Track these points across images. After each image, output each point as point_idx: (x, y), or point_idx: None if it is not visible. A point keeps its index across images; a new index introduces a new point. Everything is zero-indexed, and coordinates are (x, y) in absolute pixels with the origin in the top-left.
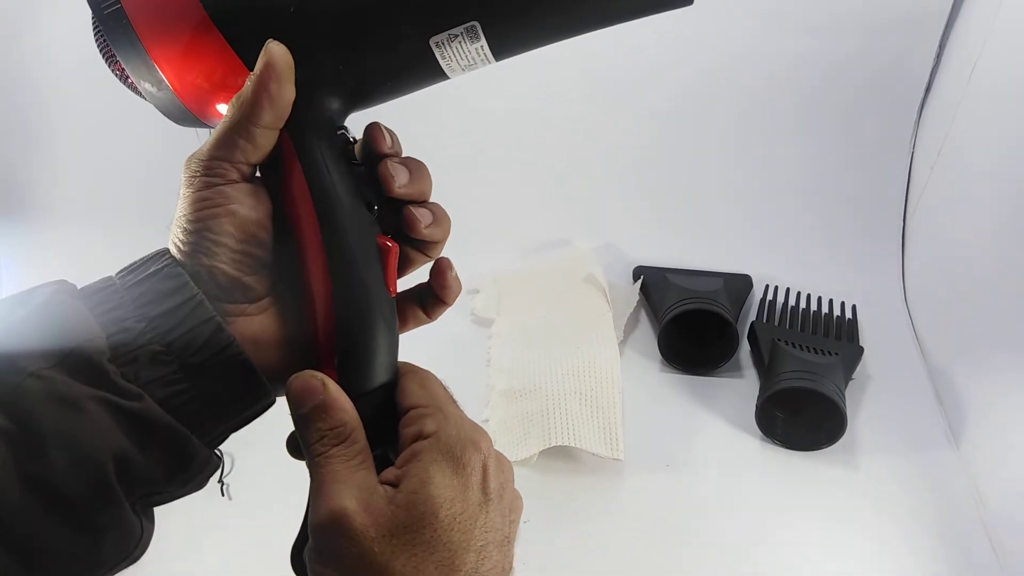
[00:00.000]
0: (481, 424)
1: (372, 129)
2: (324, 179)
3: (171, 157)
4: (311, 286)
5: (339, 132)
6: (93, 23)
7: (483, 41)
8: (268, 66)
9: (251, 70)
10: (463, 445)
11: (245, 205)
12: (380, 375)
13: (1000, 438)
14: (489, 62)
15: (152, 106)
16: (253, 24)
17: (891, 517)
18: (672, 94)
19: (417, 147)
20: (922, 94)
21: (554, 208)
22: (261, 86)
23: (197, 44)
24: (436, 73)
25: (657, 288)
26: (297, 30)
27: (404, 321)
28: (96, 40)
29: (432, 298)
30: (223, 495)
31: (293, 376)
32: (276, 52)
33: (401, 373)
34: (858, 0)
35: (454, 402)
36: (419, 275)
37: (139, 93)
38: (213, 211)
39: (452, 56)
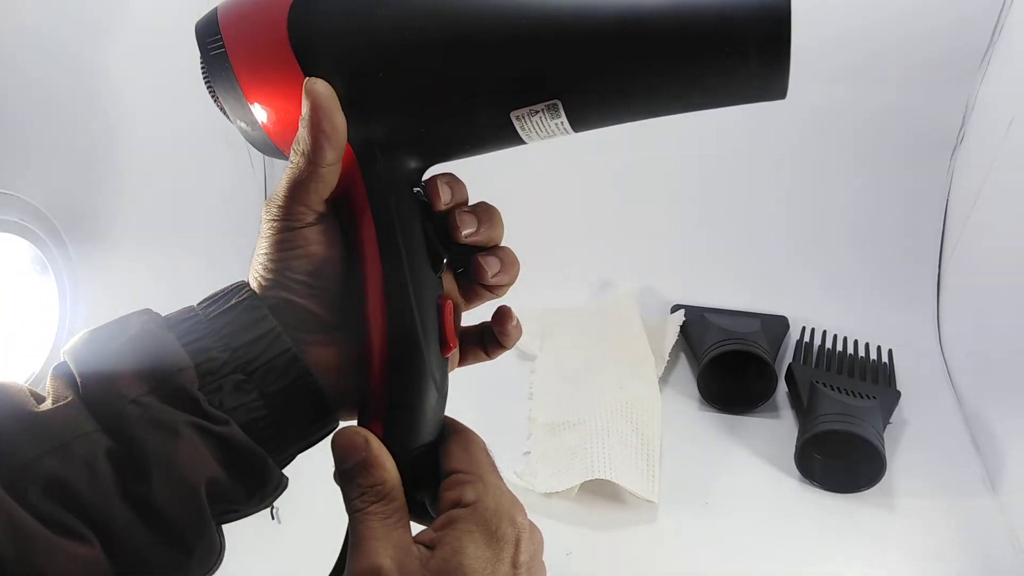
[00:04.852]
0: (523, 456)
1: (429, 184)
2: (395, 241)
3: (231, 183)
4: (369, 342)
5: (415, 190)
6: (200, 61)
7: (563, 117)
8: (315, 107)
9: None
10: (499, 518)
11: (321, 245)
12: (425, 436)
13: None
14: (568, 133)
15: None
16: (341, 84)
17: (929, 561)
18: (711, 139)
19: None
20: (954, 141)
21: (594, 246)
22: (315, 127)
23: (289, 94)
24: (514, 140)
25: (696, 328)
26: (383, 94)
27: (464, 357)
28: (203, 76)
29: (493, 340)
30: (273, 518)
31: (338, 431)
32: (318, 90)
33: (447, 431)
34: (890, 50)
35: (495, 470)
36: (483, 312)
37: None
38: (293, 252)
39: (531, 128)
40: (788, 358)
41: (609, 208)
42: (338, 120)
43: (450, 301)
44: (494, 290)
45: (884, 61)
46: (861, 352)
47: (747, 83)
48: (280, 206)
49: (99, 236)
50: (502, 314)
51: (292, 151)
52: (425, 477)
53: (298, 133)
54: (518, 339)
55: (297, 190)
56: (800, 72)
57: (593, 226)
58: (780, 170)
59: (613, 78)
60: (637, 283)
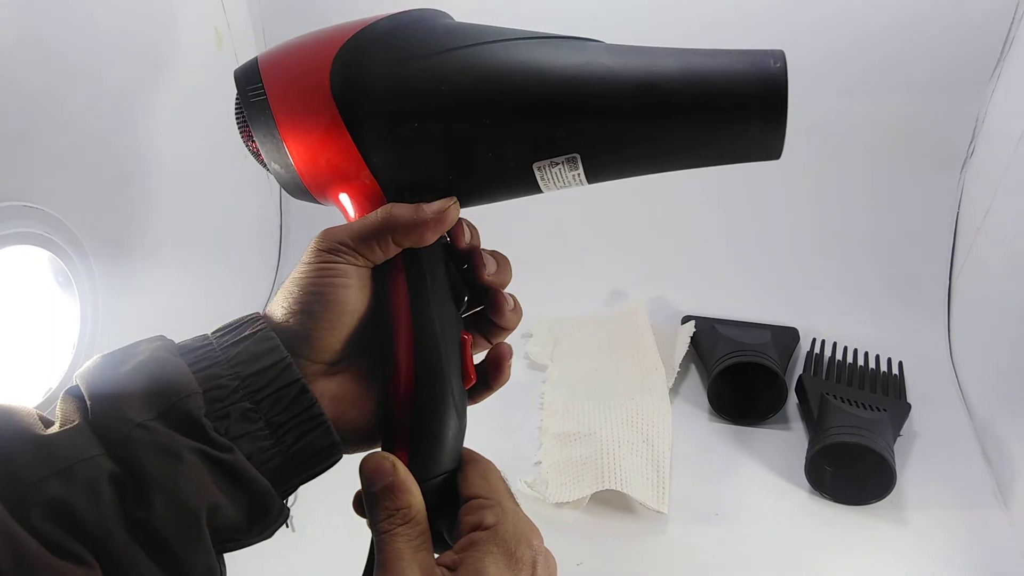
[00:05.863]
0: (533, 466)
1: (455, 226)
2: (423, 281)
3: (248, 197)
4: (396, 373)
5: None
6: (236, 105)
7: (580, 169)
8: (440, 218)
9: (369, 167)
10: (518, 541)
11: (356, 286)
12: (446, 464)
13: None
14: (583, 185)
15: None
16: (379, 130)
17: (939, 574)
18: None
19: None
20: (965, 154)
21: (605, 256)
22: (422, 225)
23: (327, 140)
24: (532, 189)
25: (706, 338)
26: (417, 141)
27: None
28: (237, 118)
29: (482, 384)
30: (287, 526)
31: (367, 455)
32: (453, 213)
33: (464, 460)
34: (900, 63)
35: (512, 495)
36: None
37: (266, 167)
38: (332, 281)
39: (550, 178)
40: (798, 370)
41: (620, 218)
42: (429, 239)
43: (471, 336)
44: (500, 334)
45: (895, 74)
46: (872, 364)
47: (748, 144)
48: (337, 243)
49: (121, 249)
50: (500, 352)
51: (379, 212)
52: (443, 505)
53: (399, 208)
54: (505, 382)
55: (362, 242)
56: (811, 85)
57: (604, 236)
58: (790, 182)
59: (629, 136)
60: (648, 293)
